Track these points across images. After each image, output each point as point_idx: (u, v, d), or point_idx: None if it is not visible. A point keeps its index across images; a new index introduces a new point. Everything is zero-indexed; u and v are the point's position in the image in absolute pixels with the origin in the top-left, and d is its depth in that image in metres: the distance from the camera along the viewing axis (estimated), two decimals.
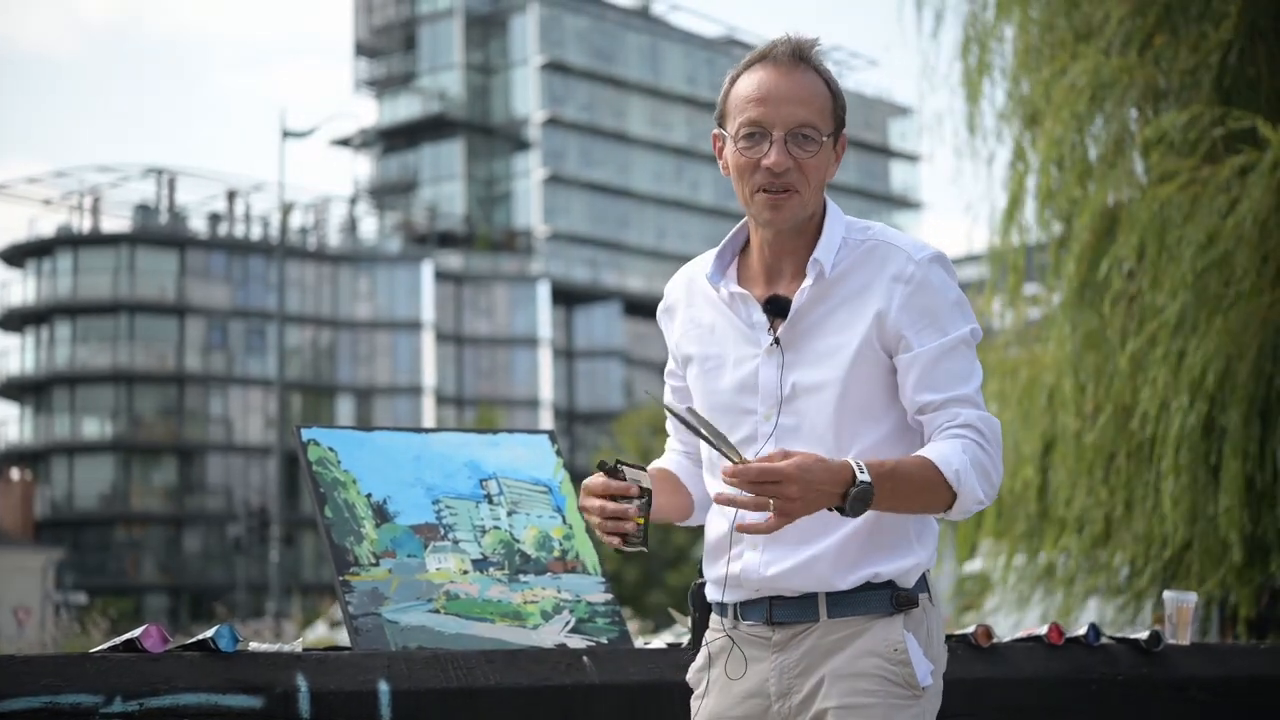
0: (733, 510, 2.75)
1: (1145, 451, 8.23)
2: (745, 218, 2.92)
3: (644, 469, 2.77)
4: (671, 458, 3.09)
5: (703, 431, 2.62)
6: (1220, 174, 7.81)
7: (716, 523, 2.89)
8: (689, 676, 2.98)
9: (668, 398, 3.03)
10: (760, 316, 2.83)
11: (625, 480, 2.73)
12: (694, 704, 2.94)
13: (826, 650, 2.77)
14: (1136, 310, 8.17)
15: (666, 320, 3.02)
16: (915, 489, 2.67)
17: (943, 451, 2.70)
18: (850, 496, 2.58)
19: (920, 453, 2.72)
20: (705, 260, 2.95)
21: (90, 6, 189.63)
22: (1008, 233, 9.32)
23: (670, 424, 3.08)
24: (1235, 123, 7.83)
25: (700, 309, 2.94)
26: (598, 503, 2.76)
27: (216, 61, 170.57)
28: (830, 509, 2.61)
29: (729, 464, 2.58)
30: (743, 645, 2.84)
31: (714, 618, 2.92)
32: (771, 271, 2.87)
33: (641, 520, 2.73)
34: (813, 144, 2.78)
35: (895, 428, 2.82)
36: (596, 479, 2.77)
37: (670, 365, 3.05)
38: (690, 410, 2.71)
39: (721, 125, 2.87)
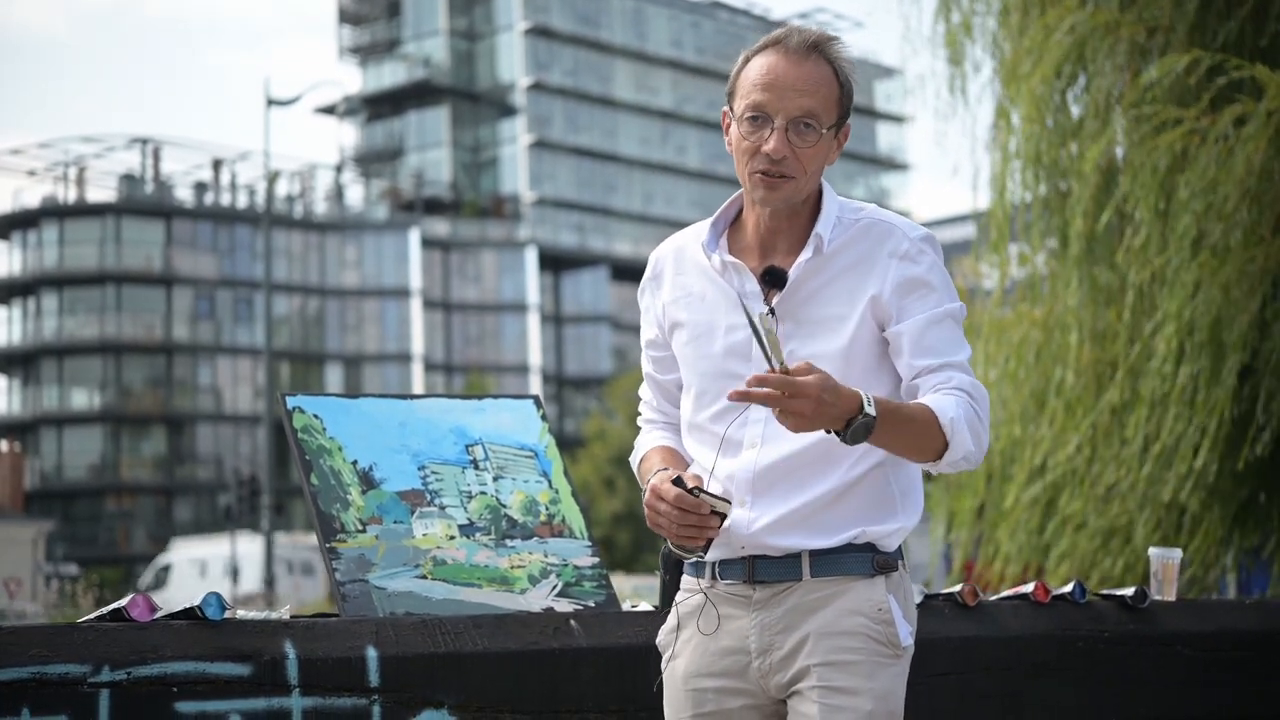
0: (712, 469, 2.83)
1: (1141, 405, 8.18)
2: (740, 190, 2.95)
3: (729, 501, 2.75)
4: (660, 435, 3.07)
5: (760, 330, 2.63)
6: (1219, 124, 7.77)
7: None
8: (659, 640, 3.00)
9: (645, 367, 3.08)
10: (754, 286, 2.87)
11: (701, 500, 2.72)
12: (665, 666, 2.96)
13: (809, 608, 2.81)
14: (1134, 261, 8.12)
15: (654, 287, 3.03)
16: (914, 431, 2.73)
17: (940, 402, 2.77)
18: (854, 425, 2.64)
19: (920, 400, 2.79)
20: (699, 229, 2.97)
21: None
22: (999, 194, 9.29)
23: (644, 389, 3.11)
24: (1236, 71, 7.78)
25: (690, 277, 2.96)
26: (674, 511, 2.72)
27: (201, 33, 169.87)
28: (830, 431, 2.66)
29: (765, 370, 2.61)
30: (719, 604, 2.87)
31: (685, 579, 2.96)
32: (766, 246, 2.91)
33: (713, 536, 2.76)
34: (813, 133, 2.83)
35: (889, 398, 2.84)
36: (672, 490, 2.73)
37: (652, 335, 3.04)
38: (760, 315, 2.68)
39: (730, 104, 2.90)
